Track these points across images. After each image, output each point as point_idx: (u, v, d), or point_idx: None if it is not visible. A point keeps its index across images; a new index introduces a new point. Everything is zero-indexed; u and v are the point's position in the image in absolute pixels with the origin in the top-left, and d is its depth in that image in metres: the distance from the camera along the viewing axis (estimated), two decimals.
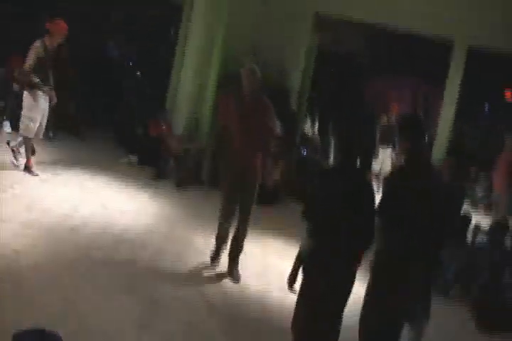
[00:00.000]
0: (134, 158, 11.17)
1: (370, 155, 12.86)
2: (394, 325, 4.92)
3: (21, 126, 8.78)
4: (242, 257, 7.05)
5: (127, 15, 16.48)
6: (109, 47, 16.32)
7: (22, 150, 9.05)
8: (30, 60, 8.54)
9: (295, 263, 4.92)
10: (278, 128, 6.94)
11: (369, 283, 4.91)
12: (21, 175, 8.72)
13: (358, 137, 5.13)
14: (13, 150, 9.06)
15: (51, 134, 11.31)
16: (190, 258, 7.19)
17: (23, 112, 8.74)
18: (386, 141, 12.82)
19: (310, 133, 14.53)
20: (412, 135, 4.98)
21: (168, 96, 12.17)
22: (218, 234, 7.03)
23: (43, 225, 7.00)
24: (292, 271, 4.94)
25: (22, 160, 9.00)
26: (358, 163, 4.96)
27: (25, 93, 8.72)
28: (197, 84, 11.36)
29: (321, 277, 4.68)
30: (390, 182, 4.99)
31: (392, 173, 5.43)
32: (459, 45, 10.93)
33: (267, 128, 6.70)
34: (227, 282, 6.77)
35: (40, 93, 8.68)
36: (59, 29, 8.69)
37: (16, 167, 8.91)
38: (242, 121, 6.68)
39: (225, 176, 7.10)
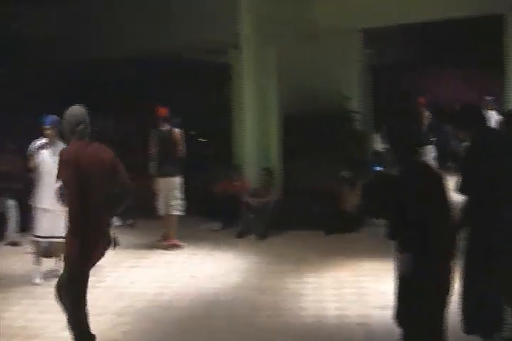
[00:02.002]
0: (217, 224, 11.30)
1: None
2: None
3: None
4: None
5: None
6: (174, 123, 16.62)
7: None
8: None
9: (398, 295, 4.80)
10: None
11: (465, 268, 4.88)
12: (109, 266, 8.95)
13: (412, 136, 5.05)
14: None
15: (130, 222, 11.62)
16: (290, 304, 7.16)
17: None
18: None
19: (382, 150, 14.35)
20: (473, 123, 5.23)
21: (234, 153, 12.46)
22: None
23: (136, 309, 7.15)
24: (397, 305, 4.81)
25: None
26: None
27: None
28: (261, 134, 11.58)
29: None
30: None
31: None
32: None
33: None
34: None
35: None
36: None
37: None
38: None
39: None
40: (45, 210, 7.93)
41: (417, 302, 4.56)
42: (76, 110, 5.53)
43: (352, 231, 10.32)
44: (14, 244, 10.15)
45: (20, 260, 8.90)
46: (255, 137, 11.67)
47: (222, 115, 14.33)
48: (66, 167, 5.22)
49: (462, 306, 5.24)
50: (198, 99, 16.09)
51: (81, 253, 5.21)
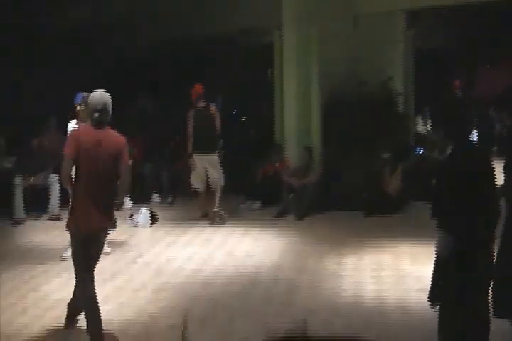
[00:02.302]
0: (256, 204, 11.30)
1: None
2: None
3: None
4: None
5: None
6: (217, 102, 16.68)
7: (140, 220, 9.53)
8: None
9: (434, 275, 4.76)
10: None
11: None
12: (147, 243, 9.04)
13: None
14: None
15: (170, 199, 11.70)
16: (328, 284, 7.15)
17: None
18: None
19: (424, 132, 14.25)
20: None
21: (275, 133, 12.43)
22: None
23: (174, 286, 7.20)
24: (432, 285, 4.77)
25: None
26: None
27: None
28: (301, 115, 11.56)
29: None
30: None
31: None
32: None
33: None
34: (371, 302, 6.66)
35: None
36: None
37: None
38: None
39: None
40: None
41: (452, 283, 4.51)
42: (96, 97, 5.65)
43: (392, 213, 10.24)
44: (56, 218, 10.28)
45: (61, 234, 8.99)
46: (297, 117, 11.63)
47: (265, 95, 14.35)
48: (68, 145, 5.53)
49: (494, 289, 5.16)
50: (242, 80, 16.13)
51: (75, 227, 5.57)
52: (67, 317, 6.08)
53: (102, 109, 5.56)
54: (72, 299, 6.04)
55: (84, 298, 5.68)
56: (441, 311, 4.63)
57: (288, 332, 1.03)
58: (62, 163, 5.55)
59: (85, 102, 6.97)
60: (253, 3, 12.62)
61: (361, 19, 11.85)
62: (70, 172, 5.54)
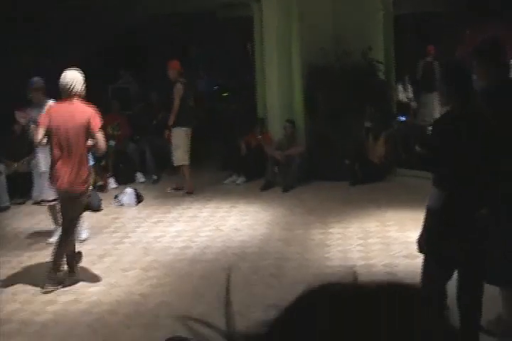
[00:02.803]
0: (240, 179, 11.28)
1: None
2: None
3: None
4: None
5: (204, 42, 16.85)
6: (201, 82, 16.61)
7: (126, 200, 9.51)
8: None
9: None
10: None
11: None
12: (134, 223, 9.03)
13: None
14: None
15: (155, 177, 11.67)
16: (317, 255, 7.18)
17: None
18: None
19: (405, 100, 14.24)
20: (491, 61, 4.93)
21: (258, 106, 12.39)
22: None
23: (163, 264, 7.21)
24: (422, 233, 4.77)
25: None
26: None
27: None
28: (285, 87, 11.50)
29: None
30: None
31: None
32: None
33: None
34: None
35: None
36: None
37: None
38: None
39: None
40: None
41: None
42: (68, 74, 6.51)
43: (377, 181, 10.25)
44: (39, 203, 10.23)
45: (46, 219, 8.97)
46: (279, 90, 11.58)
47: (246, 69, 14.31)
48: (43, 118, 6.56)
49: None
50: (223, 54, 16.08)
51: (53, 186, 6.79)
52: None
53: (69, 85, 6.39)
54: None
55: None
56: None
57: (336, 279, 1.01)
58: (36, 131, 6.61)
59: (38, 87, 7.94)
60: None
61: None
62: (42, 138, 6.47)
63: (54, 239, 7.84)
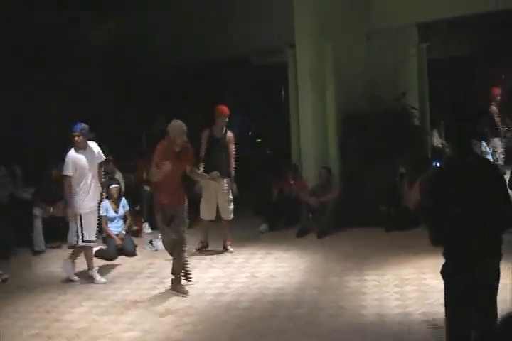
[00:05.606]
0: (263, 227, 11.30)
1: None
2: None
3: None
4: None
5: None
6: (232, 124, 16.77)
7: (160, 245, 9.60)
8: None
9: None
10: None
11: None
12: (168, 268, 9.06)
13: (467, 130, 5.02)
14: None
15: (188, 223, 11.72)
16: (352, 303, 7.16)
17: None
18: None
19: (440, 145, 14.27)
20: None
21: (292, 152, 12.53)
22: None
23: (198, 310, 7.24)
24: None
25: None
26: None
27: None
28: (319, 133, 11.68)
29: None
30: None
31: None
32: None
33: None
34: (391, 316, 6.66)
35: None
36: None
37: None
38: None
39: None
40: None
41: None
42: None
43: (413, 227, 10.21)
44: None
45: (81, 263, 9.07)
46: (314, 136, 11.72)
47: (280, 115, 14.47)
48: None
49: None
50: (257, 100, 16.28)
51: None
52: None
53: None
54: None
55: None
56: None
57: None
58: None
59: (83, 132, 8.45)
60: (264, 24, 12.82)
61: (374, 35, 11.95)
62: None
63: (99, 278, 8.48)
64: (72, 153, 8.55)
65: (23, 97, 12.64)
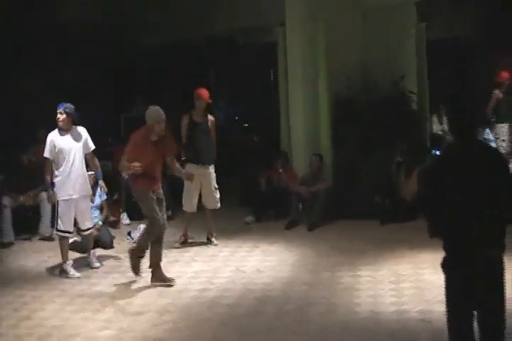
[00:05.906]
0: (249, 218, 11.29)
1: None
2: None
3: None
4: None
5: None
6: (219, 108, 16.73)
7: None
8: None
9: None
10: None
11: None
12: (147, 261, 9.01)
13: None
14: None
15: (169, 214, 11.66)
16: (345, 300, 7.13)
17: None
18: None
19: (440, 133, 14.20)
20: None
21: (281, 139, 12.45)
22: None
23: (179, 307, 7.18)
24: None
25: None
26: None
27: None
28: (310, 118, 11.59)
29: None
30: None
31: None
32: None
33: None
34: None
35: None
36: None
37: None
38: None
39: None
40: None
41: None
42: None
43: (409, 220, 10.19)
44: (48, 238, 10.30)
45: (54, 255, 9.00)
46: (304, 122, 11.63)
47: (269, 99, 14.38)
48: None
49: None
50: (244, 83, 16.18)
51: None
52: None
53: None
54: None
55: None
56: None
57: None
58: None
59: (67, 111, 8.37)
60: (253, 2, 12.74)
61: (370, 13, 11.87)
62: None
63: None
64: (53, 133, 8.48)
65: None
